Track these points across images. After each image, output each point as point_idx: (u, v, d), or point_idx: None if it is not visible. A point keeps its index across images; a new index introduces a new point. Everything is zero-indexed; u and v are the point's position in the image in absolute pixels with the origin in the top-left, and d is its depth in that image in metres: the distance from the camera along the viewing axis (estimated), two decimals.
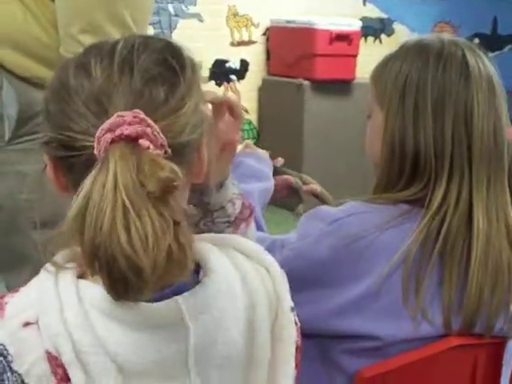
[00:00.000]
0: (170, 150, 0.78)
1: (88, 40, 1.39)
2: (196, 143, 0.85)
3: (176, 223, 0.75)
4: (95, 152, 0.76)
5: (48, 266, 0.83)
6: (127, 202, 0.72)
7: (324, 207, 1.29)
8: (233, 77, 5.09)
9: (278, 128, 4.98)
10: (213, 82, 4.99)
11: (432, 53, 1.26)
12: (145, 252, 0.72)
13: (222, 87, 5.03)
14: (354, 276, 1.18)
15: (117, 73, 0.81)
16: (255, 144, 5.13)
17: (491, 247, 1.19)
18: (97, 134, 0.76)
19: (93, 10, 1.46)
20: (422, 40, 1.30)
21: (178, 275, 0.77)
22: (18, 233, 1.48)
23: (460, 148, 1.22)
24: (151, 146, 0.76)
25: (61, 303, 0.79)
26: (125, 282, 0.74)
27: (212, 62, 4.97)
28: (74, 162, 0.80)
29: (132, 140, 0.76)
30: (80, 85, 0.81)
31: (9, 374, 0.78)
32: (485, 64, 1.26)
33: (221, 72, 5.02)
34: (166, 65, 0.83)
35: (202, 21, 4.91)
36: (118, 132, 0.75)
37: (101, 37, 1.43)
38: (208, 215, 1.12)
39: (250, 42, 5.14)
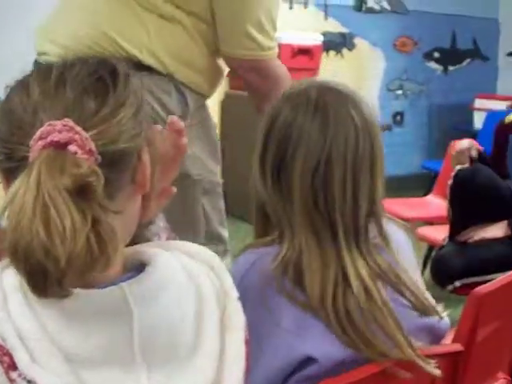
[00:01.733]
0: (100, 157, 0.81)
1: (255, 33, 2.06)
2: (136, 151, 0.88)
3: (96, 220, 0.77)
4: (30, 160, 0.80)
5: None
6: (47, 198, 0.76)
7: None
8: None
9: (239, 142, 4.98)
10: None
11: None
12: (62, 243, 0.75)
13: None
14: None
15: (52, 87, 0.86)
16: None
17: None
18: (30, 143, 0.80)
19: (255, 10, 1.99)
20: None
21: (102, 270, 0.79)
22: (195, 201, 1.92)
23: (282, 203, 1.23)
24: (79, 151, 0.79)
25: (4, 293, 0.82)
26: (43, 273, 0.76)
27: None
28: (17, 172, 0.81)
29: (61, 146, 0.79)
30: (20, 101, 0.86)
31: None
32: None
33: None
34: (98, 78, 0.87)
35: None
36: (48, 139, 0.79)
37: (262, 30, 2.14)
38: None
39: None
